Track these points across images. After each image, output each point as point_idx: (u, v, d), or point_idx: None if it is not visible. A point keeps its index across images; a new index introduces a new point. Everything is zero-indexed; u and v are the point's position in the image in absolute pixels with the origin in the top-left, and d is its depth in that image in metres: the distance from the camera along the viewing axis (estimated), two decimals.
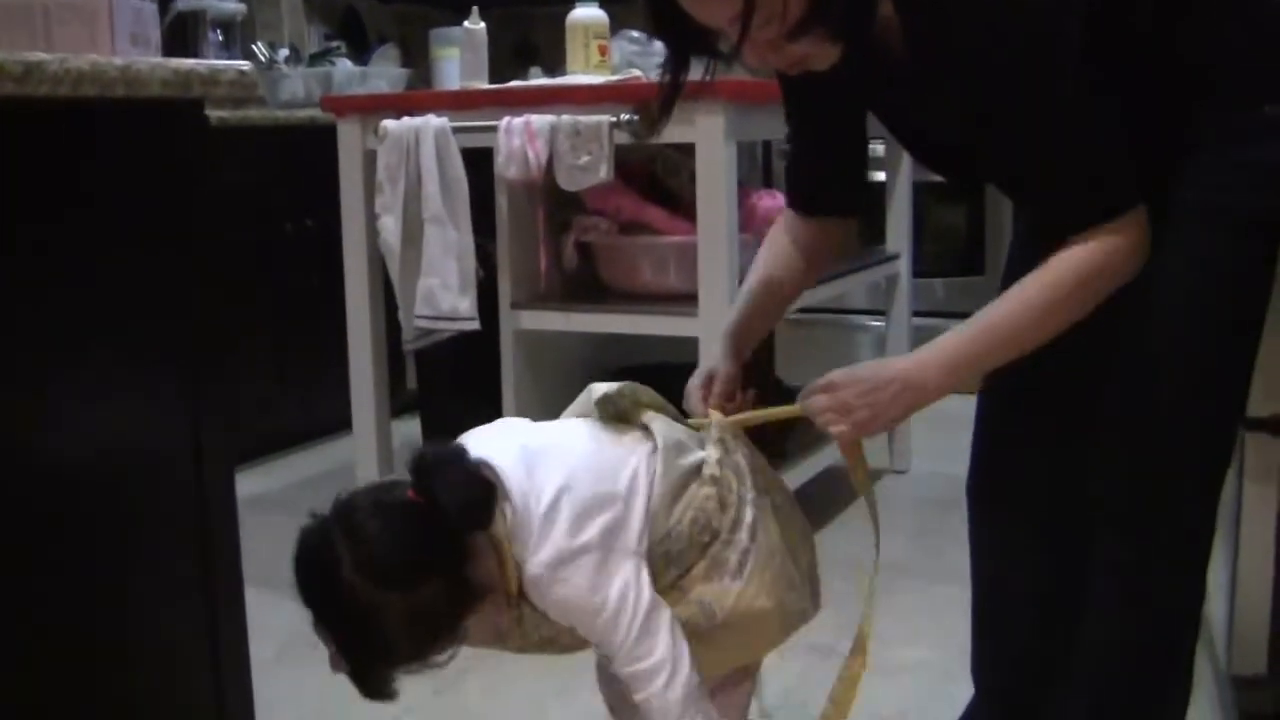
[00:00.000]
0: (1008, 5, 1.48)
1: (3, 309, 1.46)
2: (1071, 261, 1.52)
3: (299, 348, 4.60)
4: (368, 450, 3.29)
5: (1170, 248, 1.57)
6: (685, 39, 1.55)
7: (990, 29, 1.47)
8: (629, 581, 1.52)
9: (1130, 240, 1.52)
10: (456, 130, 3.03)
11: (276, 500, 4.09)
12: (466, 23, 3.48)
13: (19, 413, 1.49)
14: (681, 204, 3.14)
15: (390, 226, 3.04)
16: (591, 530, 1.51)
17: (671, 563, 1.56)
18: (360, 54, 5.62)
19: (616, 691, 1.71)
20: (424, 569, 1.45)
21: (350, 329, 3.26)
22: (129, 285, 1.62)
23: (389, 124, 3.05)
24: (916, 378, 1.56)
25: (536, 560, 1.50)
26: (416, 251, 3.03)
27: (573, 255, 3.24)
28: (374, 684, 1.50)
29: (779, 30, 1.46)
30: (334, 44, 5.52)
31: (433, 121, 3.01)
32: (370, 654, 1.47)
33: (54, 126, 1.51)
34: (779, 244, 1.88)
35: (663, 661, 1.52)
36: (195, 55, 4.86)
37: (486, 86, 3.42)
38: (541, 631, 1.56)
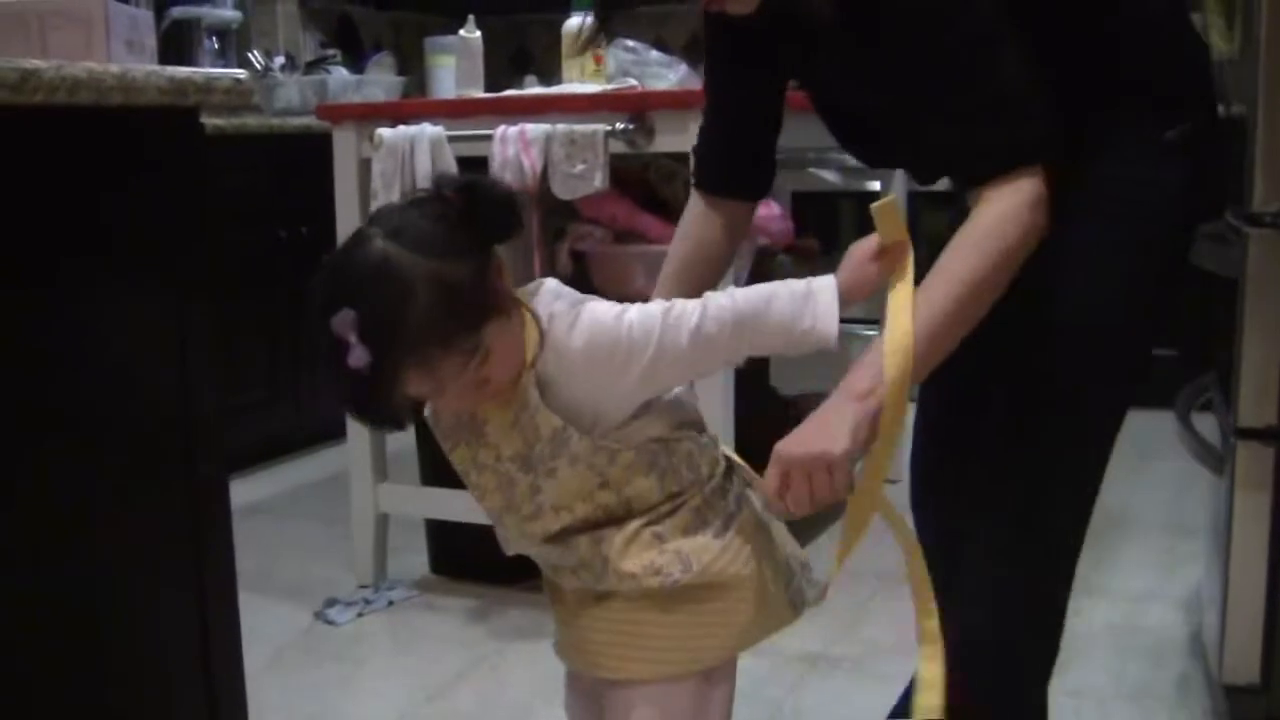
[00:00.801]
0: None
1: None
2: (984, 235, 1.50)
3: (292, 355, 4.61)
4: (361, 458, 3.29)
5: (1072, 256, 1.59)
6: None
7: None
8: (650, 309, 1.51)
9: (1030, 195, 1.50)
10: (452, 139, 3.03)
11: (269, 508, 4.10)
12: (462, 31, 3.49)
13: (12, 415, 1.49)
14: (676, 212, 3.14)
15: None
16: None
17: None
18: (355, 62, 5.64)
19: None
20: (458, 246, 1.43)
21: None
22: (124, 292, 1.62)
23: (384, 132, 3.06)
24: (856, 378, 1.51)
25: (560, 301, 1.52)
26: None
27: (567, 263, 3.24)
28: (386, 384, 1.43)
29: None
30: (329, 52, 5.54)
31: (428, 130, 3.02)
32: (393, 332, 1.40)
33: (49, 133, 1.51)
34: (695, 228, 1.89)
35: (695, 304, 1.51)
36: (191, 62, 4.87)
37: (482, 95, 3.42)
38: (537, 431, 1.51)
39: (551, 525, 1.55)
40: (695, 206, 1.91)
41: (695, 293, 1.59)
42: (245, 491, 4.06)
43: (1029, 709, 1.76)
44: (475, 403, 1.50)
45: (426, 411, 1.56)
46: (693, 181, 1.92)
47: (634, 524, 1.55)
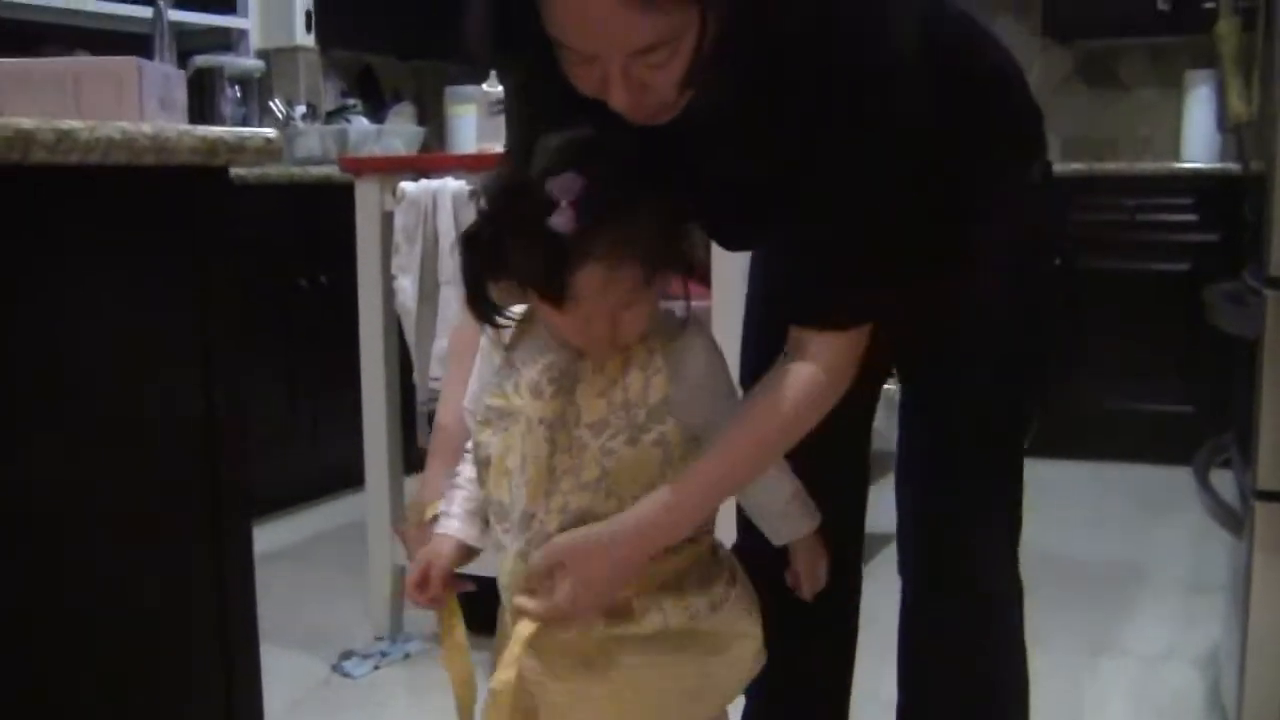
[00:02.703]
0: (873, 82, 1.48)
1: (28, 363, 1.48)
2: (793, 389, 1.54)
3: (310, 401, 4.62)
4: (380, 507, 3.30)
5: (963, 299, 1.69)
6: (534, 64, 1.49)
7: (839, 94, 1.47)
8: None
9: (837, 366, 1.55)
10: (473, 193, 3.05)
11: (287, 555, 4.10)
12: (484, 85, 3.52)
13: (41, 459, 1.51)
14: (696, 268, 3.16)
15: (407, 288, 3.07)
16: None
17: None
18: (376, 111, 5.67)
19: None
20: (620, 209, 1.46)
21: (365, 388, 3.27)
22: (151, 343, 1.64)
23: (407, 186, 3.08)
24: (637, 542, 1.53)
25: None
26: (432, 312, 3.05)
27: None
28: (571, 261, 1.45)
29: (678, 71, 1.40)
30: (350, 101, 5.57)
31: (450, 184, 3.04)
32: (611, 213, 1.43)
33: (83, 190, 1.53)
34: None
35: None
36: (213, 111, 4.91)
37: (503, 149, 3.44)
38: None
39: (599, 508, 1.55)
40: None
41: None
42: (261, 539, 4.03)
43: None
44: (585, 336, 1.52)
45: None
46: None
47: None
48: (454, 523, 1.66)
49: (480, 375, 1.74)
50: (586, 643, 1.57)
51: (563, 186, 1.42)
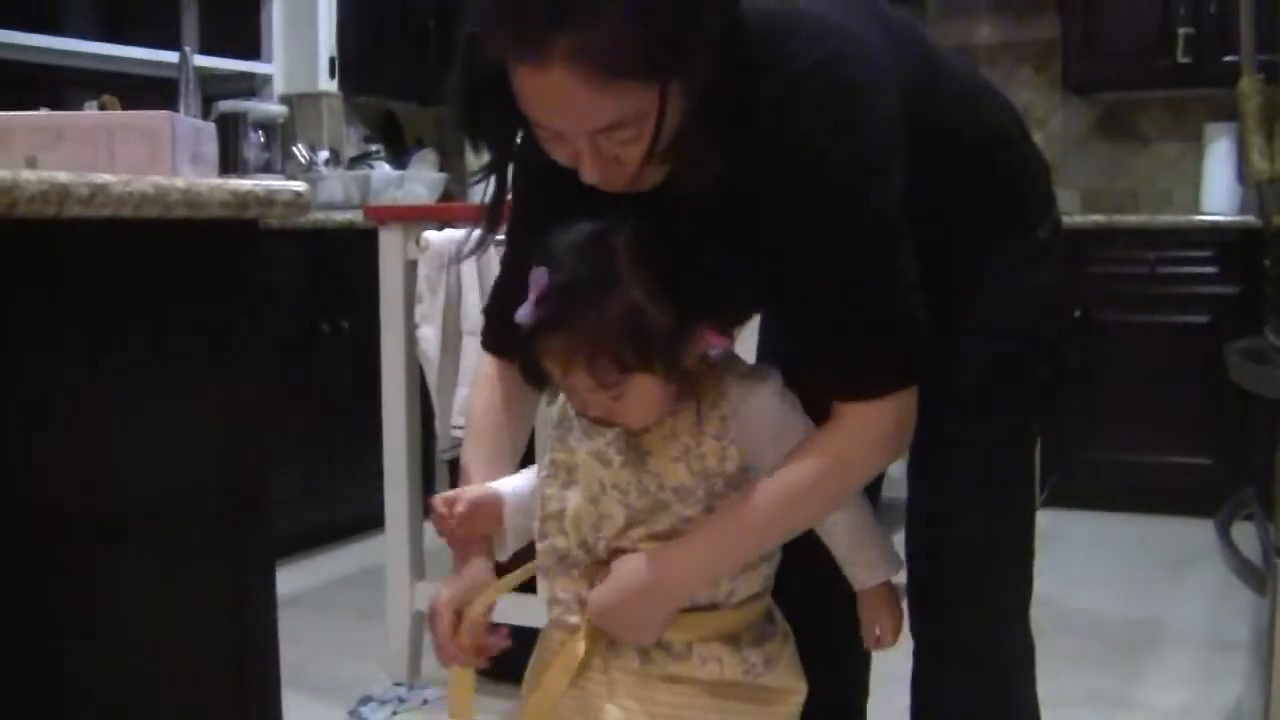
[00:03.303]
0: (845, 151, 1.47)
1: (57, 410, 1.49)
2: (833, 452, 1.55)
3: (329, 447, 4.63)
4: (399, 555, 3.30)
5: (964, 365, 1.69)
6: (500, 138, 1.54)
7: (815, 174, 1.47)
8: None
9: (889, 428, 1.56)
10: (498, 243, 3.06)
11: (306, 600, 4.10)
12: None
13: (66, 501, 1.52)
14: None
15: (429, 336, 3.08)
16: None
17: None
18: (398, 157, 5.71)
19: None
20: (669, 289, 1.48)
21: (386, 434, 3.28)
22: (178, 389, 1.65)
23: (430, 235, 3.10)
24: (678, 586, 1.56)
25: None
26: (455, 361, 3.06)
27: None
28: (532, 348, 1.51)
29: (640, 148, 1.42)
30: (373, 147, 5.61)
31: (474, 234, 3.05)
32: (560, 315, 1.47)
33: (114, 242, 1.55)
34: (490, 398, 1.79)
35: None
36: (236, 156, 4.94)
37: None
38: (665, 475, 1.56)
39: None
40: (489, 373, 1.81)
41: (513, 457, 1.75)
42: (279, 583, 4.06)
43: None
44: (601, 416, 1.54)
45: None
46: (482, 343, 1.85)
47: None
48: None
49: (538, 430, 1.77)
50: (640, 680, 1.60)
51: (534, 280, 1.49)
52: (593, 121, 1.40)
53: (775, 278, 1.58)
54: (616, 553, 1.58)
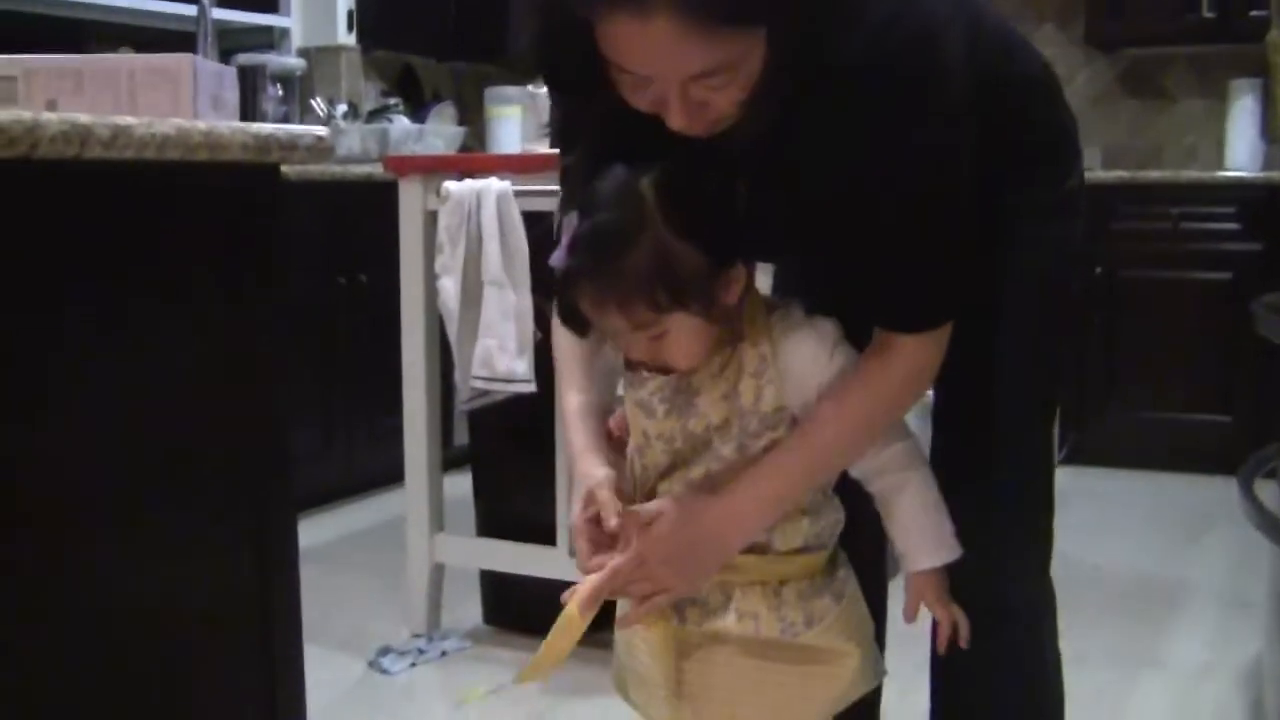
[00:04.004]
0: (916, 112, 1.48)
1: (77, 354, 1.48)
2: (887, 376, 1.57)
3: (349, 400, 4.63)
4: (419, 504, 3.30)
5: (1001, 313, 1.71)
6: (583, 86, 1.51)
7: (897, 128, 1.47)
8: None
9: (931, 359, 1.59)
10: (518, 193, 3.05)
11: (325, 554, 4.11)
12: (530, 86, 3.52)
13: (86, 451, 1.51)
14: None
15: (449, 288, 3.06)
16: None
17: None
18: (416, 111, 5.68)
19: None
20: (704, 237, 1.48)
21: (406, 386, 3.28)
22: (200, 337, 1.64)
23: (451, 185, 3.08)
24: (733, 529, 1.57)
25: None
26: (475, 312, 3.05)
27: None
28: (568, 293, 1.52)
29: (738, 92, 1.42)
30: (391, 101, 5.59)
31: (494, 184, 3.04)
32: (594, 259, 1.47)
33: (138, 185, 1.54)
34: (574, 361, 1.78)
35: None
36: (255, 109, 4.92)
37: (549, 150, 3.44)
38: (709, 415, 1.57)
39: None
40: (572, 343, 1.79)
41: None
42: (300, 537, 4.07)
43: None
44: (645, 359, 1.55)
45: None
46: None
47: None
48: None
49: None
50: (684, 634, 1.61)
51: (565, 226, 1.51)
52: (690, 68, 1.38)
53: (826, 223, 1.58)
54: (652, 498, 1.59)
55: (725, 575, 1.58)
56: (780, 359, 1.55)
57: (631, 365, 1.61)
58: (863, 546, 1.75)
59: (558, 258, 1.50)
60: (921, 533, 1.66)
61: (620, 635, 1.70)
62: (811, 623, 1.60)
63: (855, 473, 1.66)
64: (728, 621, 1.59)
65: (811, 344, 1.57)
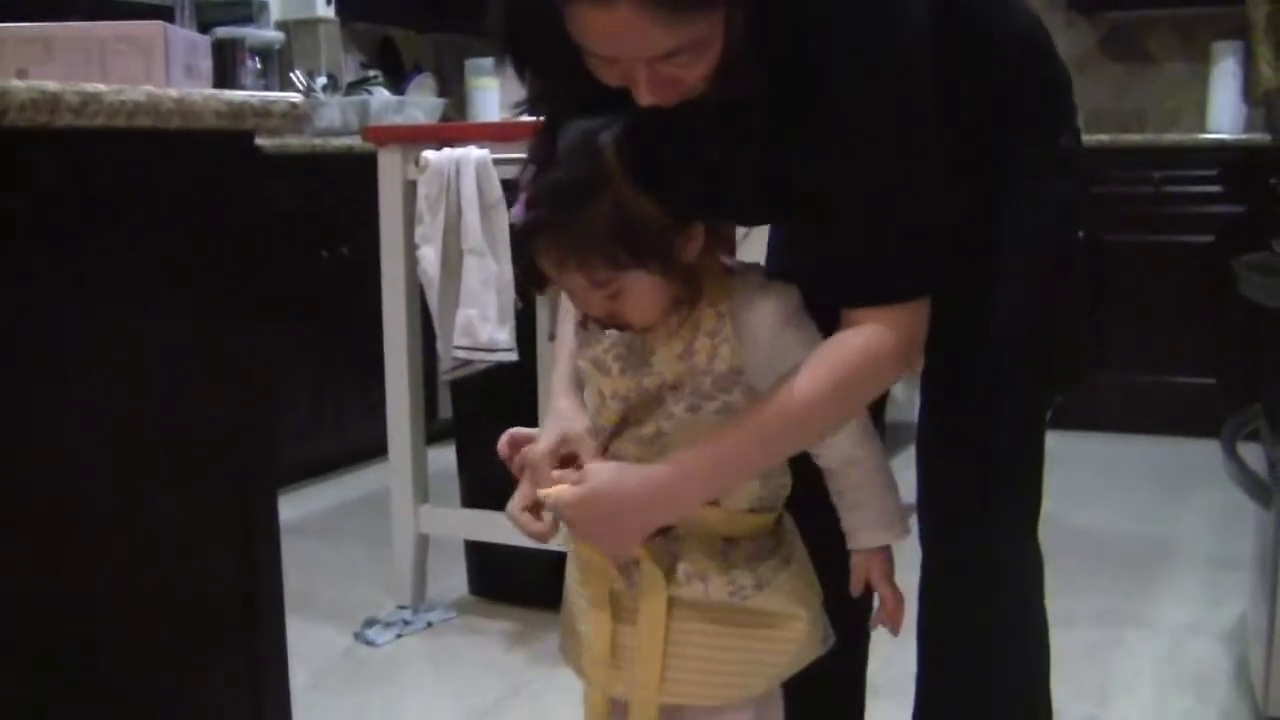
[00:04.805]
0: (877, 50, 1.46)
1: (53, 325, 1.47)
2: (844, 354, 1.51)
3: (332, 374, 4.62)
4: (403, 477, 3.30)
5: (996, 272, 1.69)
6: (551, 66, 1.52)
7: (858, 69, 1.45)
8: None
9: (901, 338, 1.52)
10: (497, 162, 3.03)
11: (310, 527, 4.11)
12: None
13: (66, 430, 1.50)
14: (722, 237, 3.14)
15: (430, 257, 3.05)
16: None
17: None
18: (396, 83, 5.66)
19: None
20: (669, 190, 1.47)
21: (388, 358, 3.27)
22: (175, 310, 1.63)
23: (430, 155, 3.06)
24: (677, 493, 1.54)
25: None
26: (455, 282, 3.04)
27: None
28: (526, 249, 1.51)
29: (704, 69, 1.42)
30: (370, 73, 5.56)
31: (473, 153, 3.02)
32: (552, 212, 1.46)
33: (108, 154, 1.52)
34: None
35: None
36: (233, 82, 4.90)
37: (528, 119, 3.43)
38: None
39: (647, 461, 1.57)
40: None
41: None
42: (285, 511, 4.05)
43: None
44: (602, 316, 1.54)
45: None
46: None
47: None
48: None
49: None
50: (626, 597, 1.60)
51: (525, 180, 1.49)
52: (655, 50, 1.38)
53: (793, 179, 1.56)
54: (605, 455, 1.59)
55: (677, 525, 1.56)
56: (737, 319, 1.53)
57: (586, 324, 1.60)
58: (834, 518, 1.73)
59: (516, 213, 1.50)
60: (868, 511, 1.64)
61: (565, 600, 1.70)
62: (762, 586, 1.57)
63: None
64: (676, 582, 1.56)
65: (770, 306, 1.54)
